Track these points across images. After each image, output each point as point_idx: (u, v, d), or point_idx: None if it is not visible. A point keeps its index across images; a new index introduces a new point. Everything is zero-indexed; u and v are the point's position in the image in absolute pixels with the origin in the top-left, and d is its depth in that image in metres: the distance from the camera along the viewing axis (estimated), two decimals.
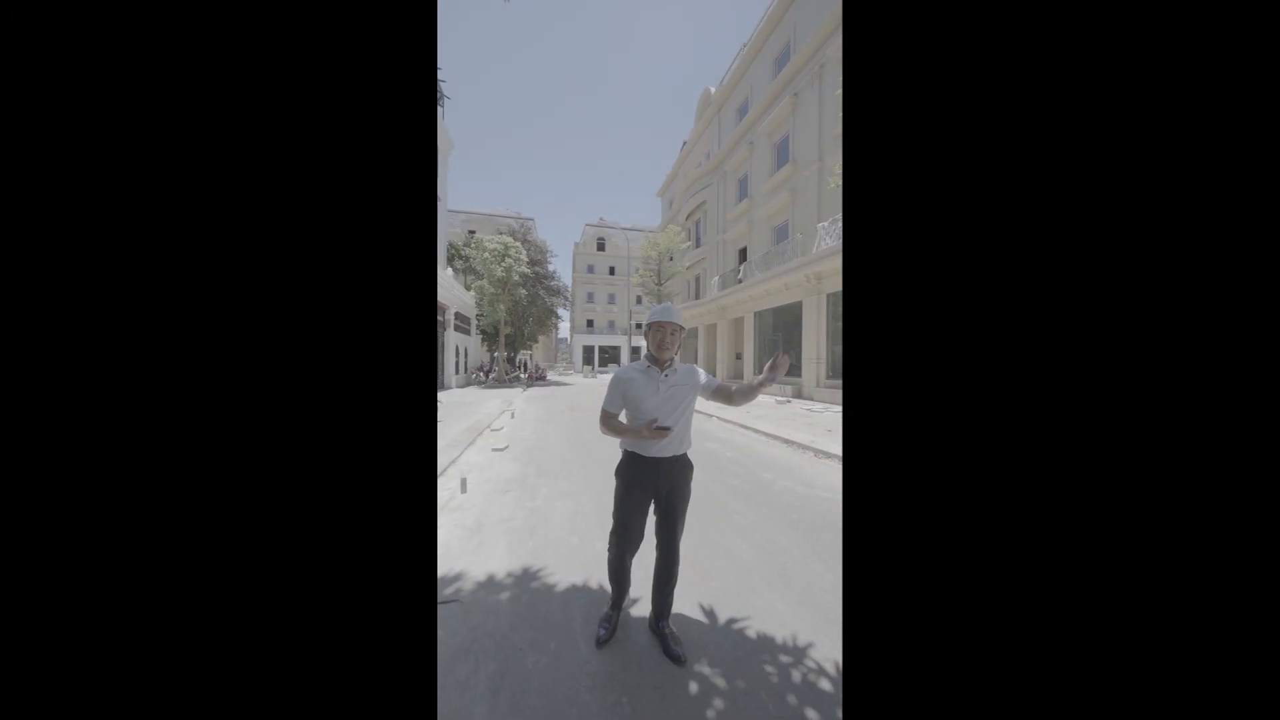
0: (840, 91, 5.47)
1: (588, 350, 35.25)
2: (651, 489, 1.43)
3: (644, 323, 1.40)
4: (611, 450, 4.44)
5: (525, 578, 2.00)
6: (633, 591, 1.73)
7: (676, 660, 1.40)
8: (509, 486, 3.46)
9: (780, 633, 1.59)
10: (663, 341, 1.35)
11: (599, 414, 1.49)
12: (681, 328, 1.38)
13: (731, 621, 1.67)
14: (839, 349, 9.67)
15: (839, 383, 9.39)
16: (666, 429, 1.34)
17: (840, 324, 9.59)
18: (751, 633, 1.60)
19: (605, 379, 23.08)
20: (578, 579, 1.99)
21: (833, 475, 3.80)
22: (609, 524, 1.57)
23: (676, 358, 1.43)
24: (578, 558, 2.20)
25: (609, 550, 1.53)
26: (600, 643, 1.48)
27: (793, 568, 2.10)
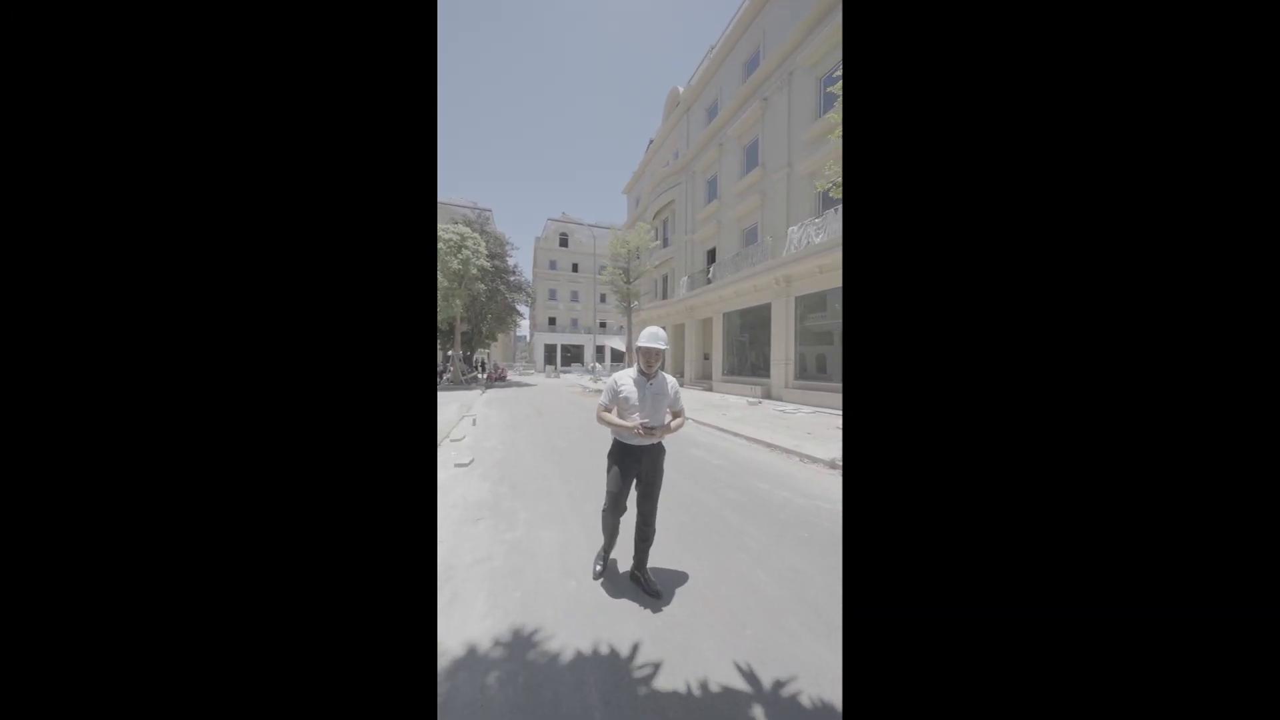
0: (836, 90, 5.49)
1: (549, 349, 34.15)
2: (635, 469, 1.92)
3: (636, 345, 1.90)
4: (595, 462, 4.24)
5: (518, 645, 1.58)
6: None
7: (655, 595, 1.87)
8: (480, 513, 2.98)
9: (840, 698, 1.33)
10: (649, 360, 1.88)
11: (586, 413, 2.06)
12: (664, 350, 1.90)
13: (780, 686, 1.39)
14: (806, 350, 9.91)
15: (807, 383, 9.61)
16: (653, 430, 1.82)
17: (807, 325, 9.83)
18: (806, 700, 1.33)
19: (569, 379, 22.74)
20: (585, 642, 1.59)
21: (826, 482, 3.70)
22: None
23: (660, 371, 1.97)
24: (581, 609, 1.80)
25: (602, 514, 2.01)
26: (596, 576, 2.03)
27: (823, 600, 1.87)
